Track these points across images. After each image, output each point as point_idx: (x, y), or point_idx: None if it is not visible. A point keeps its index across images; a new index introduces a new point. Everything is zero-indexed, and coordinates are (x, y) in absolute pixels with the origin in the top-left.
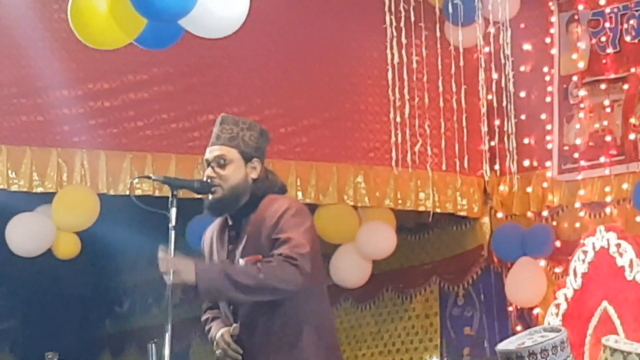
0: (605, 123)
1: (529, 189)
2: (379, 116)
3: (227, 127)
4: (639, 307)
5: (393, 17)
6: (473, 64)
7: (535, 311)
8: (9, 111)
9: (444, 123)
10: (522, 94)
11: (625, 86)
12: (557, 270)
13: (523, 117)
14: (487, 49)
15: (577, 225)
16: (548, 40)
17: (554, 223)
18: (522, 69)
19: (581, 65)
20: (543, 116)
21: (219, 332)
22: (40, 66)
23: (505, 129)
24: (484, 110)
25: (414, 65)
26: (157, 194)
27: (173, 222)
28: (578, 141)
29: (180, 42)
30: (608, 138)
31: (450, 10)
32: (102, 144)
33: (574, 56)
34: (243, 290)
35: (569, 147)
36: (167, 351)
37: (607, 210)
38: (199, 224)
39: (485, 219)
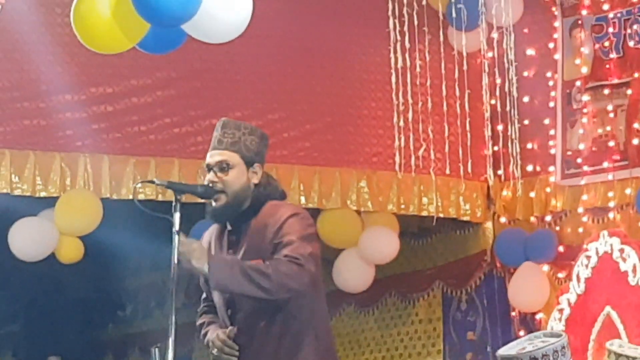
0: (608, 128)
1: (532, 194)
2: (382, 121)
3: (228, 132)
4: None
5: (397, 21)
6: (476, 69)
7: (538, 316)
8: (12, 115)
9: (447, 128)
10: (526, 99)
11: (629, 91)
12: (560, 275)
13: (526, 122)
14: (490, 54)
15: (580, 230)
16: (551, 45)
17: (557, 228)
18: (525, 74)
19: (584, 70)
20: (546, 121)
21: (215, 333)
22: (43, 70)
23: (509, 133)
24: (487, 115)
25: (417, 69)
26: (160, 198)
27: (177, 227)
28: (581, 146)
29: (183, 47)
30: (611, 143)
31: (454, 15)
32: (105, 148)
33: (578, 61)
34: (254, 284)
35: (572, 152)
36: (170, 355)
37: (611, 215)
38: (202, 229)
39: (488, 224)
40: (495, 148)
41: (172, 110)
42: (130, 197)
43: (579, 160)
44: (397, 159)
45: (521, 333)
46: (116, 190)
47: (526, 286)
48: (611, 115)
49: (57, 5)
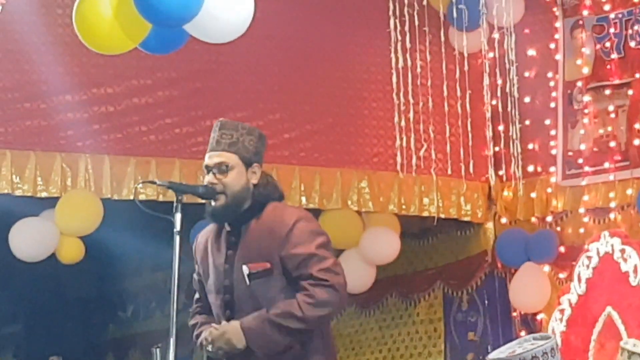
0: (609, 129)
1: (533, 195)
2: (382, 121)
3: (226, 133)
4: None
5: (397, 22)
6: (477, 69)
7: (539, 317)
8: (13, 116)
9: (448, 128)
10: (527, 100)
11: (630, 92)
12: (561, 275)
13: (527, 122)
14: (491, 54)
15: (582, 230)
16: (552, 45)
17: (558, 228)
18: (526, 74)
19: (585, 70)
20: (547, 121)
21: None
22: (44, 71)
23: (510, 134)
24: (488, 115)
25: (418, 70)
26: (161, 198)
27: (178, 227)
28: (582, 147)
29: (185, 47)
30: (612, 144)
31: (455, 15)
32: (106, 148)
33: (579, 62)
34: (291, 333)
35: (573, 152)
36: (171, 355)
37: (612, 215)
38: (202, 229)
39: (490, 224)
40: (497, 148)
41: (173, 110)
42: (131, 197)
43: (580, 161)
44: (398, 159)
45: (522, 333)
46: (117, 191)
47: (527, 287)
48: (612, 115)
49: (58, 5)
